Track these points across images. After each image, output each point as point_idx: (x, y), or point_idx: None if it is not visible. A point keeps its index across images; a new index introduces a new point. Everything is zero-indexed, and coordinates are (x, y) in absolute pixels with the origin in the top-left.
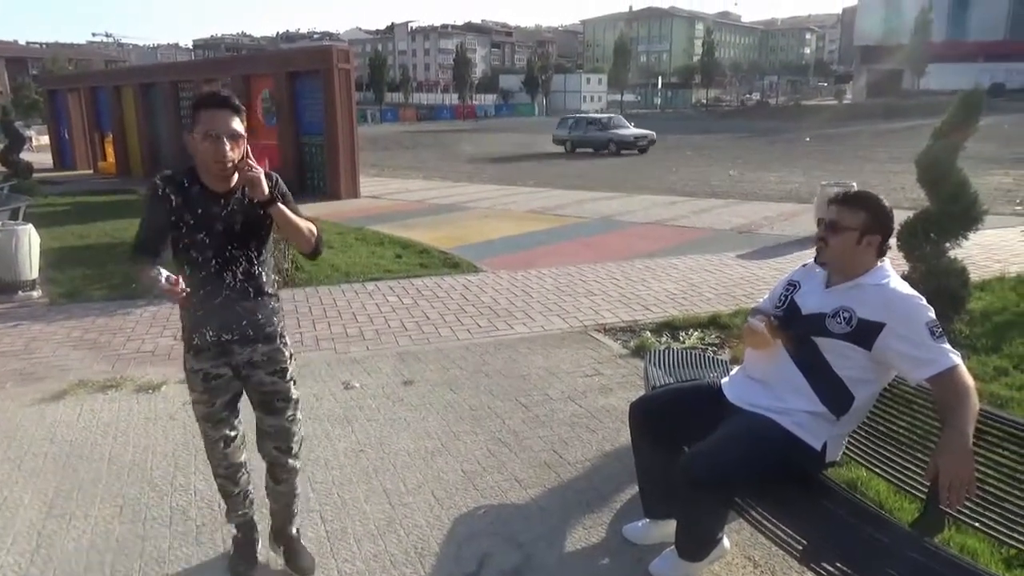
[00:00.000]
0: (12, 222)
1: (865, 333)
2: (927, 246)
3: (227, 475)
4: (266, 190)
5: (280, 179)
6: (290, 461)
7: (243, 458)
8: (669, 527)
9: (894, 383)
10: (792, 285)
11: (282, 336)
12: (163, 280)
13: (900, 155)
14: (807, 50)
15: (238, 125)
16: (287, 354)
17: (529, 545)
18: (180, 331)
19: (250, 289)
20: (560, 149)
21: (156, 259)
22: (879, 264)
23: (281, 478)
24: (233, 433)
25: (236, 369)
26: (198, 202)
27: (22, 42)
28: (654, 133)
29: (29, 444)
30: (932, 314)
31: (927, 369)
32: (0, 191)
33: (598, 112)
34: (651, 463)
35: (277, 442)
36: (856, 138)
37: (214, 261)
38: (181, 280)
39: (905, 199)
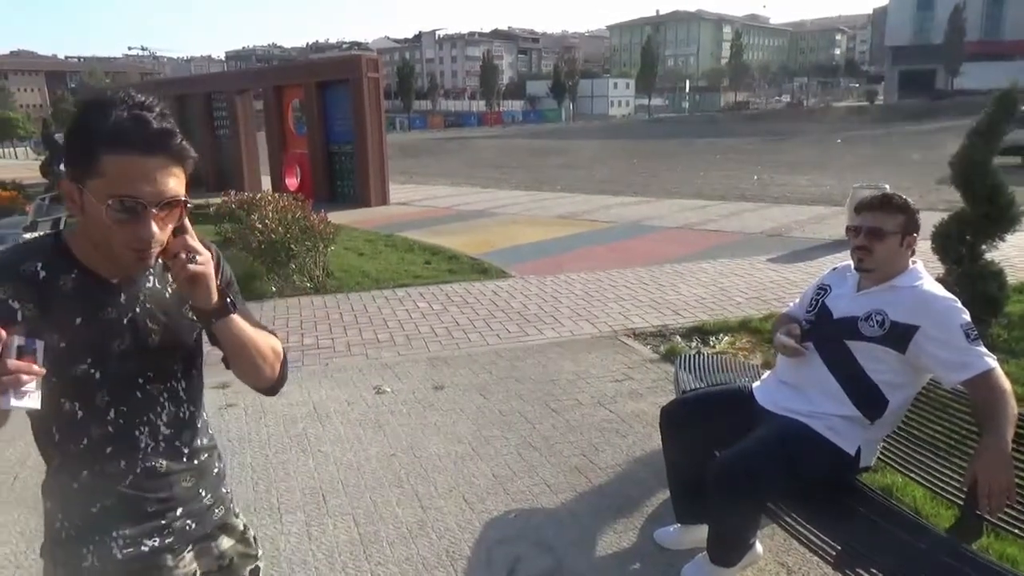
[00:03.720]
0: (53, 232)
1: (899, 336)
2: (962, 248)
3: None
4: (215, 293)
5: (221, 255)
6: None
7: None
8: (701, 532)
9: (929, 387)
10: (823, 289)
11: (237, 513)
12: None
13: (934, 156)
14: (837, 51)
15: (178, 183)
16: (255, 541)
17: (560, 550)
18: (44, 544)
19: (182, 447)
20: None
21: None
22: (912, 265)
23: None
24: None
25: None
26: (76, 304)
27: (61, 56)
28: None
29: None
30: (967, 316)
31: (962, 372)
32: (41, 202)
33: None
34: (682, 467)
35: None
36: (888, 139)
37: (113, 412)
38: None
39: (940, 201)
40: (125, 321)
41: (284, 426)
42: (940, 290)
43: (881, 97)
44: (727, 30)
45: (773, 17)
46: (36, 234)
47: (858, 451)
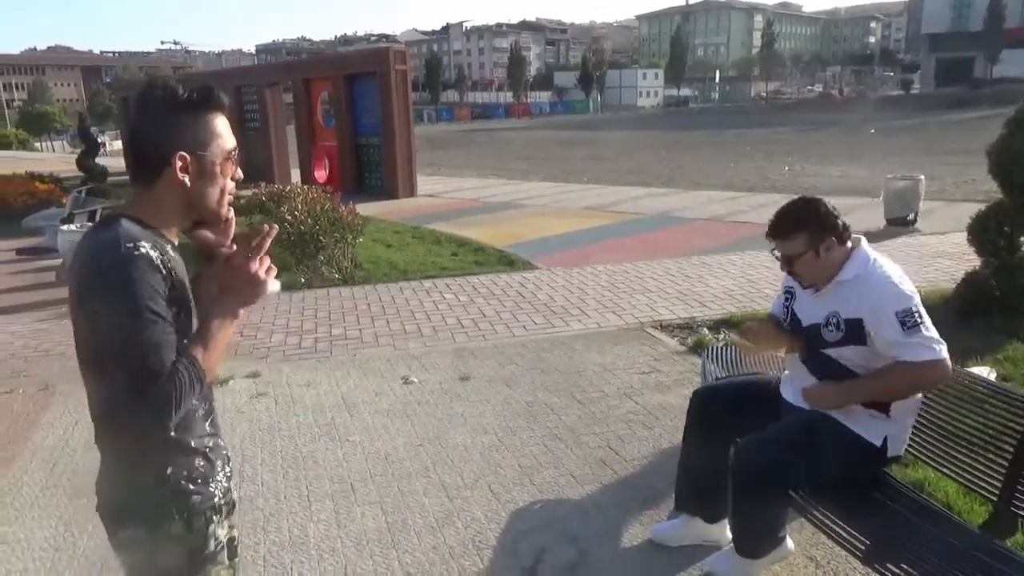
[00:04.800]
0: (90, 224)
1: (854, 332)
2: (1000, 240)
3: None
4: None
5: None
6: None
7: None
8: (698, 528)
9: (964, 382)
10: (789, 294)
11: None
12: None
13: (971, 146)
14: (872, 39)
15: None
16: None
17: (585, 541)
18: (160, 497)
19: None
20: None
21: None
22: (854, 251)
23: None
24: None
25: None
26: (184, 271)
27: (96, 51)
28: None
29: None
30: (907, 302)
31: (895, 357)
32: (78, 195)
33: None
34: (699, 455)
35: None
36: (924, 129)
37: None
38: None
39: (976, 192)
40: (194, 279)
41: (313, 415)
42: (881, 274)
43: (917, 86)
44: (758, 18)
45: (806, 5)
46: (73, 226)
47: (884, 441)
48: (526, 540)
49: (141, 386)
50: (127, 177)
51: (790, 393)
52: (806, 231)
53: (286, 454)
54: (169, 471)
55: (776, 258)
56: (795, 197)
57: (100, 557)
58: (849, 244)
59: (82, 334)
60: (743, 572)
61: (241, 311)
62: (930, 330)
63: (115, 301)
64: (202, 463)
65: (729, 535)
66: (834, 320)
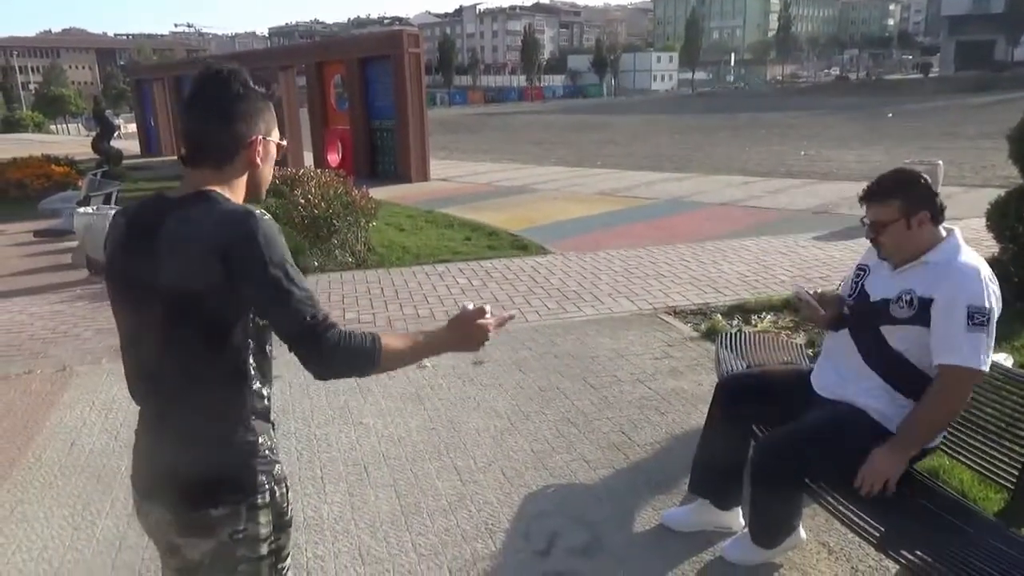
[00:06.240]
0: (106, 206)
1: (923, 311)
2: (1019, 226)
3: None
4: None
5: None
6: None
7: None
8: (709, 514)
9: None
10: (862, 270)
11: None
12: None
13: (992, 130)
14: (890, 21)
15: None
16: None
17: (598, 525)
18: (249, 473)
19: None
20: None
21: None
22: (946, 236)
23: None
24: None
25: None
26: None
27: (111, 35)
28: None
29: (131, 417)
30: (984, 301)
31: (942, 355)
32: (94, 177)
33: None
34: (720, 442)
35: None
36: (943, 113)
37: None
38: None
39: (995, 177)
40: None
41: (327, 398)
42: (971, 263)
43: (936, 69)
44: (775, 1)
45: None
46: (89, 208)
47: None
48: (538, 524)
49: (319, 331)
50: (142, 160)
51: (821, 385)
52: (901, 198)
53: (300, 436)
54: (260, 441)
55: (864, 224)
56: (895, 167)
57: (119, 536)
58: (943, 229)
59: (186, 301)
60: (756, 558)
61: (446, 351)
62: (991, 340)
63: (271, 260)
64: (274, 433)
65: (741, 522)
66: (907, 297)
